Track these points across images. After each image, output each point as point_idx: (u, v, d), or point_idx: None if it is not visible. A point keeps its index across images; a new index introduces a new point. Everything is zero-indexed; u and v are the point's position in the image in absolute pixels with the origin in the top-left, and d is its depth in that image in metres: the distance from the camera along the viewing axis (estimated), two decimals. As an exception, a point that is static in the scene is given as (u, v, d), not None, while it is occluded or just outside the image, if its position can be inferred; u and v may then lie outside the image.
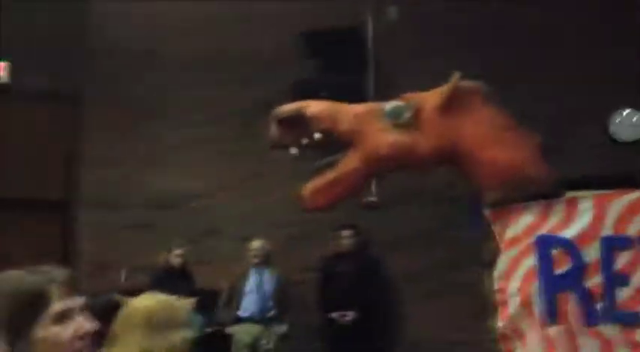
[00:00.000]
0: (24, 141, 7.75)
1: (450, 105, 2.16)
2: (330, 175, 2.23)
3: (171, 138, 7.78)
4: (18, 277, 1.82)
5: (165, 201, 7.65)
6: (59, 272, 1.86)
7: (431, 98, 2.20)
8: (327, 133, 2.22)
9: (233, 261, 6.99)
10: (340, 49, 7.12)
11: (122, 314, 2.50)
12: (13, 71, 7.82)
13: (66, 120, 7.80)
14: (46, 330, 1.77)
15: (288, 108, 2.24)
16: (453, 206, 6.54)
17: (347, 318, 6.57)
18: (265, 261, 6.92)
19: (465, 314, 5.82)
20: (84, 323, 1.82)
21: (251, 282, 6.86)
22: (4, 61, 7.81)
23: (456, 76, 2.17)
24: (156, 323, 2.44)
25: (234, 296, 6.80)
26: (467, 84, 2.19)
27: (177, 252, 6.94)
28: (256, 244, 6.95)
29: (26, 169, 7.67)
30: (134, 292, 3.28)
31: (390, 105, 2.21)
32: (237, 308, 6.75)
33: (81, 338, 1.81)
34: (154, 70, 7.81)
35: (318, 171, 2.25)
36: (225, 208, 7.62)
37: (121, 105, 7.78)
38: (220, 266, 7.07)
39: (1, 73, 7.84)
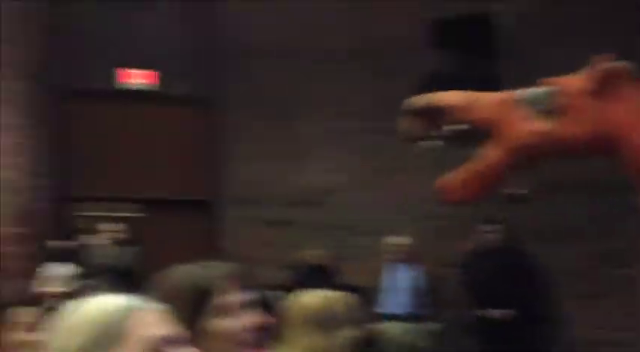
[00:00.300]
0: (171, 144, 8.12)
1: (599, 89, 2.01)
2: (469, 167, 2.14)
3: (310, 134, 7.87)
4: (190, 271, 1.88)
5: (306, 197, 7.74)
6: (227, 267, 1.91)
7: (575, 82, 2.05)
8: (465, 124, 2.13)
9: (373, 257, 6.95)
10: (473, 36, 6.93)
11: (287, 310, 2.50)
12: (162, 78, 8.20)
13: (210, 121, 8.09)
14: (214, 323, 1.81)
15: (422, 99, 2.17)
16: (602, 197, 6.21)
17: (496, 315, 6.37)
18: (406, 256, 6.84)
19: (621, 312, 5.51)
20: (252, 317, 1.87)
21: (391, 279, 6.80)
22: (153, 69, 8.22)
23: (601, 58, 2.02)
24: (321, 321, 2.42)
25: (375, 293, 6.76)
26: (614, 65, 2.03)
27: (319, 248, 6.99)
28: (396, 240, 6.88)
29: (174, 170, 8.04)
30: (281, 289, 3.28)
31: (530, 91, 2.09)
32: (378, 306, 6.71)
33: (249, 331, 1.85)
34: (290, 67, 7.92)
35: (457, 163, 2.16)
36: (364, 203, 7.61)
37: (261, 105, 7.95)
38: (360, 263, 7.05)
39: (152, 81, 8.24)
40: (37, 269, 4.62)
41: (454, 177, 2.15)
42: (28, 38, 7.77)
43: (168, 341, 1.37)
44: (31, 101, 7.79)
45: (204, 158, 8.05)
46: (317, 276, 6.49)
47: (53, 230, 7.44)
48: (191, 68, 8.08)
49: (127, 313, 1.36)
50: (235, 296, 1.85)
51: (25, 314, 3.19)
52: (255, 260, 7.39)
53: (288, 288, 2.70)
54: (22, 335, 3.08)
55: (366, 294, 6.83)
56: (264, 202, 7.77)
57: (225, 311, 1.82)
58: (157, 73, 8.24)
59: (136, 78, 8.23)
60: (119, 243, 6.34)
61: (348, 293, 2.58)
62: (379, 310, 6.68)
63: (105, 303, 1.39)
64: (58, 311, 1.42)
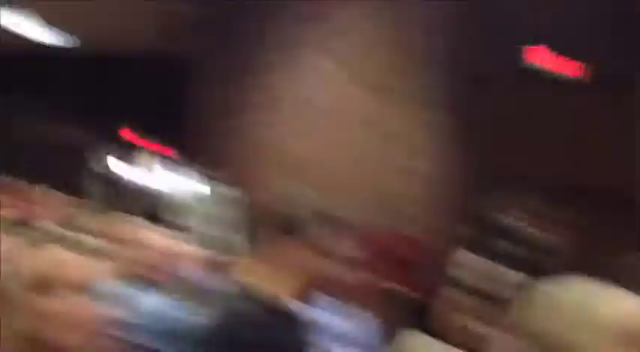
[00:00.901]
0: (587, 130, 7.82)
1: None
2: None
3: None
4: None
5: None
6: None
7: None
8: None
9: None
10: None
11: None
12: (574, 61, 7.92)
13: (626, 105, 7.62)
14: None
15: None
16: None
17: None
18: None
19: None
20: None
21: None
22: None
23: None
24: None
25: None
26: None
27: None
28: None
29: (601, 158, 7.76)
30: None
31: None
32: None
33: None
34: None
35: None
36: None
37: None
38: None
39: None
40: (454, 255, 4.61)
41: None
42: (443, 26, 7.86)
43: None
44: (443, 88, 7.85)
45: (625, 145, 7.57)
46: None
47: (465, 217, 7.37)
48: (606, 48, 7.57)
49: (601, 300, 1.33)
50: None
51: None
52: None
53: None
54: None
55: None
56: None
57: None
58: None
59: (543, 58, 8.00)
60: (543, 228, 6.11)
61: None
62: None
63: (577, 287, 1.37)
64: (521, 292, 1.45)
